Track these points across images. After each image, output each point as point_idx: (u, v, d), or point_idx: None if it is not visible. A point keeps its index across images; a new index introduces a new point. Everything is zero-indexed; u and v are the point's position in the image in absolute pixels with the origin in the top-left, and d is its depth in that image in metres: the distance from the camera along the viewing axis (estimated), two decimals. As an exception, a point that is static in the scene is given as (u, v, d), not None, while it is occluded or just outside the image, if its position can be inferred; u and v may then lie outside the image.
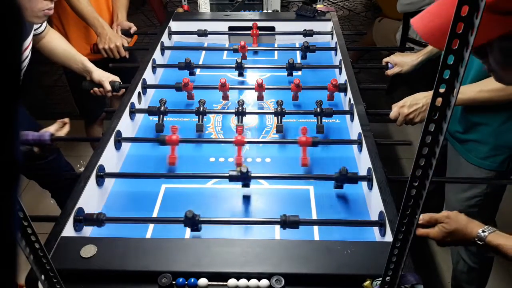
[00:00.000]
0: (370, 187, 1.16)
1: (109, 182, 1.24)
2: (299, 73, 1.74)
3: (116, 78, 1.67)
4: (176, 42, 2.08)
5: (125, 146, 1.38)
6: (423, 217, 1.04)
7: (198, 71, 1.78)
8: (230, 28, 2.06)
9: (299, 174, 1.27)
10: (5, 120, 0.30)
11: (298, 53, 1.94)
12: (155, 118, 1.48)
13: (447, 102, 0.55)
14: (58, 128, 1.38)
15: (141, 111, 1.51)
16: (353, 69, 1.65)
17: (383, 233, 1.02)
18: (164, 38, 1.93)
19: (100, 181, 1.18)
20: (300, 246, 0.95)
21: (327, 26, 2.04)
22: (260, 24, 2.01)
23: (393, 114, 1.42)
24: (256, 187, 1.25)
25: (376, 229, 1.08)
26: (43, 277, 0.78)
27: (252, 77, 1.78)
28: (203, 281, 0.87)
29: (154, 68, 1.74)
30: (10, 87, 0.30)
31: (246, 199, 1.21)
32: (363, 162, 1.27)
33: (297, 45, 1.97)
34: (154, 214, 1.16)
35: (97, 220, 1.04)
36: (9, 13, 0.28)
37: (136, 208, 1.18)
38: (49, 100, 3.35)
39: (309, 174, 1.29)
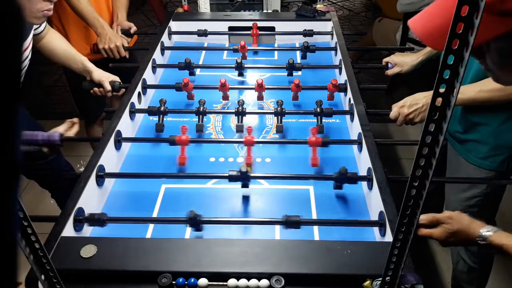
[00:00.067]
0: (370, 187, 1.16)
1: (109, 182, 1.24)
2: (299, 73, 1.74)
3: (116, 78, 1.67)
4: (176, 42, 2.08)
5: (125, 146, 1.38)
6: (426, 218, 1.04)
7: (198, 71, 1.78)
8: (230, 28, 2.06)
9: (299, 174, 1.27)
10: (5, 120, 0.30)
11: (298, 53, 1.94)
12: (155, 118, 1.48)
13: (447, 102, 0.55)
14: (67, 128, 1.38)
15: (141, 111, 1.51)
16: (353, 69, 1.65)
17: (383, 233, 1.02)
18: (164, 38, 1.93)
19: (100, 181, 1.18)
20: (300, 246, 0.95)
21: (327, 26, 2.05)
22: (260, 24, 2.01)
23: (393, 114, 1.42)
24: (256, 187, 1.25)
25: (376, 229, 1.08)
26: (43, 277, 0.78)
27: (252, 77, 1.78)
28: (203, 281, 0.87)
29: (154, 68, 1.74)
30: (10, 87, 0.30)
31: (246, 199, 1.21)
32: (363, 162, 1.27)
33: (297, 45, 1.97)
34: (154, 214, 1.16)
35: (99, 220, 1.04)
36: (9, 13, 0.28)
37: (136, 208, 1.18)
38: (49, 100, 3.35)
39: (309, 174, 1.29)
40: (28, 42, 1.50)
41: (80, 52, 1.72)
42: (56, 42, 1.68)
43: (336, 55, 1.87)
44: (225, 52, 1.98)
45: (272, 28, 2.05)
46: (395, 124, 1.44)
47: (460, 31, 0.49)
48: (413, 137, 2.49)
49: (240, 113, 1.42)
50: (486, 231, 0.97)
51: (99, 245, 0.93)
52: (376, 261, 0.86)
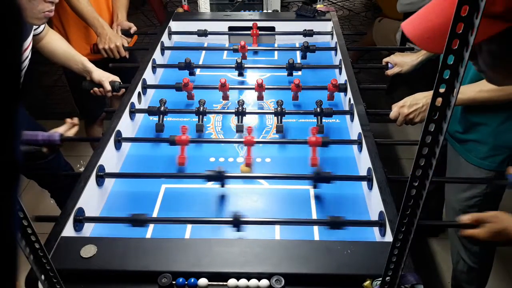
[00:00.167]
0: (370, 187, 1.16)
1: (109, 182, 1.24)
2: (299, 73, 1.74)
3: (116, 78, 1.67)
4: (176, 42, 2.08)
5: (125, 146, 1.38)
6: (470, 217, 1.03)
7: (198, 71, 1.78)
8: (230, 28, 2.06)
9: (299, 174, 1.27)
10: (5, 120, 0.30)
11: (298, 53, 1.94)
12: (155, 118, 1.48)
13: (447, 102, 0.55)
14: (67, 129, 1.39)
15: (141, 111, 1.51)
16: (353, 69, 1.65)
17: (383, 233, 1.02)
18: (164, 38, 1.93)
19: (100, 181, 1.18)
20: (300, 246, 0.95)
21: (327, 26, 2.05)
22: (260, 24, 2.01)
23: (393, 114, 1.42)
24: (256, 187, 1.25)
25: (376, 229, 1.08)
26: (43, 277, 0.78)
27: (252, 77, 1.78)
28: (203, 281, 0.87)
29: (154, 68, 1.74)
30: (10, 87, 0.30)
31: (246, 199, 1.21)
32: (363, 162, 1.27)
33: (297, 45, 1.97)
34: (154, 214, 1.16)
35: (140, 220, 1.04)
36: (9, 13, 0.28)
37: (136, 208, 1.18)
38: (49, 100, 3.35)
39: (309, 174, 1.29)
40: (28, 43, 1.50)
41: (80, 52, 1.72)
42: (56, 43, 1.68)
43: (336, 55, 1.87)
44: (225, 52, 1.98)
45: (272, 28, 2.05)
46: (395, 124, 1.44)
47: (460, 31, 0.50)
48: (413, 137, 2.49)
49: (240, 113, 1.42)
50: None
51: (99, 245, 0.93)
52: (376, 261, 0.86)
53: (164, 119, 1.45)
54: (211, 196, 1.22)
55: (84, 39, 1.99)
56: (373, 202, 1.13)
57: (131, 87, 1.54)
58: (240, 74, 1.72)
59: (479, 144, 1.39)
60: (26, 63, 1.51)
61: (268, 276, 0.87)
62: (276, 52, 1.99)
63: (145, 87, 1.62)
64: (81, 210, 1.06)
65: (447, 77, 0.53)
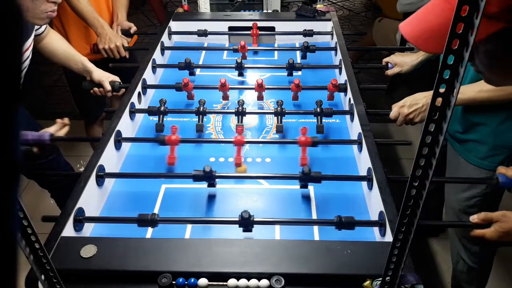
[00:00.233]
0: (370, 187, 1.16)
1: (109, 182, 1.24)
2: (299, 73, 1.74)
3: (116, 78, 1.67)
4: (176, 42, 2.08)
5: (125, 146, 1.38)
6: (479, 216, 1.03)
7: (198, 71, 1.78)
8: (230, 28, 2.06)
9: (296, 174, 1.27)
10: (5, 120, 0.30)
11: (298, 53, 1.94)
12: (155, 118, 1.48)
13: (447, 102, 0.55)
14: (58, 129, 1.39)
15: (141, 111, 1.51)
16: (353, 69, 1.65)
17: (383, 233, 1.02)
18: (164, 38, 1.93)
19: (100, 181, 1.18)
20: (300, 246, 0.95)
21: (327, 26, 2.05)
22: (260, 24, 2.01)
23: (393, 114, 1.42)
24: (256, 187, 1.25)
25: (376, 229, 1.08)
26: (43, 277, 0.78)
27: (252, 77, 1.78)
28: (203, 281, 0.87)
29: (154, 68, 1.74)
30: (10, 87, 0.30)
31: (247, 199, 1.21)
32: (363, 162, 1.27)
33: (297, 45, 1.97)
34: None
35: (152, 220, 1.03)
36: (9, 13, 0.28)
37: (136, 208, 1.18)
38: (49, 100, 3.35)
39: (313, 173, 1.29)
40: (30, 43, 1.50)
41: (80, 52, 1.72)
42: (56, 43, 1.68)
43: (336, 55, 1.87)
44: (225, 52, 1.98)
45: (272, 28, 2.05)
46: (395, 124, 1.44)
47: (460, 31, 0.50)
48: (413, 137, 2.49)
49: (240, 113, 1.42)
50: None
51: (99, 245, 0.93)
52: (376, 261, 0.86)
53: (164, 119, 1.45)
54: (211, 196, 1.22)
55: (84, 39, 1.99)
56: (373, 202, 1.13)
57: (131, 87, 1.54)
58: (240, 74, 1.72)
59: (479, 144, 1.39)
60: (27, 63, 1.51)
61: (268, 276, 0.87)
62: (276, 52, 1.99)
63: (145, 87, 1.62)
64: (81, 210, 1.06)
65: (447, 77, 0.53)
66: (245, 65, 1.71)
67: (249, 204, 1.19)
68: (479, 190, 1.45)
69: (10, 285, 0.33)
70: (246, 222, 1.01)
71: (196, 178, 1.14)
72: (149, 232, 1.10)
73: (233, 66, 1.69)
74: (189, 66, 1.69)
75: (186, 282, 0.87)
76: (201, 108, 1.44)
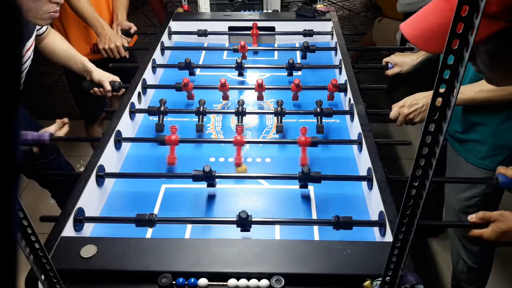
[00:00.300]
0: (370, 187, 1.16)
1: (109, 182, 1.24)
2: (299, 73, 1.74)
3: (116, 78, 1.67)
4: (176, 42, 2.08)
5: (125, 146, 1.38)
6: (477, 216, 1.03)
7: (198, 71, 1.78)
8: (230, 28, 2.06)
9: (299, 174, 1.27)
10: (5, 120, 0.30)
11: (298, 53, 1.94)
12: (155, 118, 1.48)
13: (447, 102, 0.55)
14: (57, 128, 1.39)
15: (141, 111, 1.51)
16: (353, 69, 1.65)
17: (383, 233, 1.02)
18: (164, 38, 1.93)
19: (100, 181, 1.18)
20: (300, 246, 0.95)
21: (327, 26, 2.05)
22: (260, 24, 2.01)
23: (393, 114, 1.42)
24: (256, 187, 1.25)
25: (376, 229, 1.08)
26: (43, 277, 0.78)
27: (252, 77, 1.78)
28: (203, 281, 0.87)
29: (154, 68, 1.74)
30: (10, 87, 0.30)
31: (246, 199, 1.21)
32: (363, 162, 1.27)
33: (297, 45, 1.97)
34: (154, 214, 1.16)
35: (150, 221, 1.03)
36: (9, 12, 0.28)
37: (136, 208, 1.18)
38: (49, 100, 3.35)
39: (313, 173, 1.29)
40: (31, 43, 1.50)
41: (80, 52, 1.72)
42: (57, 43, 1.68)
43: (336, 55, 1.87)
44: (225, 52, 1.98)
45: (272, 28, 2.05)
46: (395, 124, 1.44)
47: (460, 31, 0.50)
48: (413, 137, 2.49)
49: (240, 113, 1.42)
50: None
51: (99, 245, 0.93)
52: (376, 261, 0.86)
53: (164, 119, 1.45)
54: (211, 196, 1.22)
55: (84, 39, 1.99)
56: (373, 202, 1.13)
57: (131, 87, 1.54)
58: (240, 74, 1.72)
59: (479, 144, 1.39)
60: (28, 63, 1.51)
61: (268, 276, 0.87)
62: (276, 52, 1.99)
63: (145, 87, 1.62)
64: (81, 210, 1.06)
65: (447, 77, 0.53)
66: (245, 65, 1.71)
67: (249, 204, 1.19)
68: (479, 190, 1.45)
69: (10, 285, 0.33)
70: (244, 222, 1.02)
71: (196, 178, 1.15)
72: (149, 232, 1.10)
73: (233, 66, 1.69)
74: (189, 66, 1.69)
75: (186, 282, 0.87)
76: (201, 108, 1.44)
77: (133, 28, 2.01)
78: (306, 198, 1.21)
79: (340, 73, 1.73)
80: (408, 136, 2.68)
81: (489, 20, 0.56)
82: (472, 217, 1.04)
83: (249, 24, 2.01)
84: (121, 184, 1.26)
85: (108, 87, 1.64)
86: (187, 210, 1.18)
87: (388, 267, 0.75)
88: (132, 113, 1.46)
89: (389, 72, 1.75)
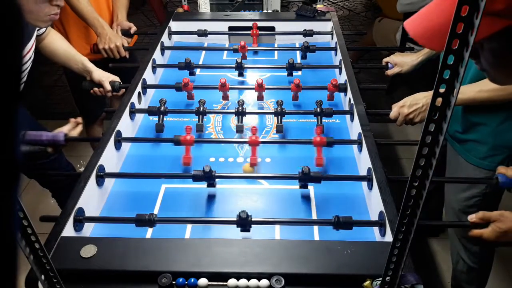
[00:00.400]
0: (370, 187, 1.16)
1: (109, 182, 1.24)
2: (299, 73, 1.74)
3: (116, 78, 1.67)
4: (176, 42, 2.08)
5: (125, 146, 1.38)
6: (477, 215, 1.03)
7: (198, 71, 1.78)
8: (230, 28, 2.06)
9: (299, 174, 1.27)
10: (6, 120, 0.30)
11: (298, 53, 1.94)
12: (155, 118, 1.48)
13: (447, 102, 0.55)
14: (71, 128, 1.39)
15: (141, 111, 1.51)
16: (353, 69, 1.65)
17: (383, 233, 1.02)
18: (164, 38, 1.93)
19: (100, 181, 1.18)
20: (300, 246, 0.95)
21: (327, 26, 2.05)
22: (260, 24, 2.01)
23: (393, 114, 1.42)
24: (256, 187, 1.25)
25: (376, 229, 1.08)
26: (43, 277, 0.78)
27: (252, 77, 1.78)
28: (203, 281, 0.87)
29: (154, 68, 1.74)
30: (10, 87, 0.30)
31: (246, 199, 1.21)
32: (363, 162, 1.27)
33: (297, 45, 1.97)
34: (154, 214, 1.16)
35: (150, 221, 1.03)
36: (9, 13, 0.28)
37: (136, 208, 1.18)
38: (49, 100, 3.35)
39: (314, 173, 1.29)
40: (31, 44, 1.50)
41: (80, 52, 1.72)
42: (57, 43, 1.68)
43: (336, 55, 1.87)
44: (225, 52, 1.98)
45: (272, 28, 2.05)
46: (395, 124, 1.44)
47: (460, 31, 0.50)
48: (413, 137, 2.49)
49: (240, 113, 1.42)
50: None
51: (99, 245, 0.93)
52: (376, 261, 0.86)
53: (164, 119, 1.45)
54: (211, 196, 1.22)
55: (84, 39, 1.99)
56: (373, 202, 1.13)
57: (131, 87, 1.54)
58: (240, 74, 1.72)
59: (479, 144, 1.39)
60: (29, 64, 1.51)
61: (268, 276, 0.87)
62: (276, 52, 1.99)
63: (145, 87, 1.62)
64: (81, 210, 1.06)
65: (447, 77, 0.53)
66: (245, 65, 1.71)
67: (249, 204, 1.19)
68: (479, 190, 1.45)
69: (10, 285, 0.33)
70: (244, 222, 1.02)
71: (196, 178, 1.15)
72: (149, 232, 1.10)
73: (233, 66, 1.69)
74: (189, 66, 1.69)
75: (186, 282, 0.87)
76: (201, 108, 1.44)
77: (133, 28, 2.01)
78: (306, 198, 1.21)
79: (340, 73, 1.73)
80: (408, 136, 2.68)
81: (494, 18, 0.56)
82: (472, 217, 1.04)
83: (249, 24, 2.01)
84: (121, 184, 1.26)
85: (108, 87, 1.64)
86: (187, 210, 1.18)
87: (388, 267, 0.75)
88: (132, 113, 1.46)
89: (389, 72, 1.75)
